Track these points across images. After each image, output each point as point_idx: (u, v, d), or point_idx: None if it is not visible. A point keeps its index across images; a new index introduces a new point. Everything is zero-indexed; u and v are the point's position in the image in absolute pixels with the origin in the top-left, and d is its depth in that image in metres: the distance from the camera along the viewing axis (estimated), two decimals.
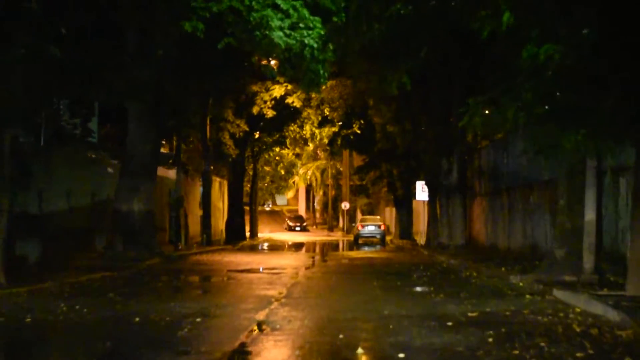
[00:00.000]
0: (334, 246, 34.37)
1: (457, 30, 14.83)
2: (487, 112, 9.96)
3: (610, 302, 8.73)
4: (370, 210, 51.92)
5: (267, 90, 30.77)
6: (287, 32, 12.75)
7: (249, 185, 43.85)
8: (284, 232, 58.24)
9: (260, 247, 32.34)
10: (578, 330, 7.46)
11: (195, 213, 31.63)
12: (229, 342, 6.90)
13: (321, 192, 69.29)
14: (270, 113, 31.80)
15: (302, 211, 74.20)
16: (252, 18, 12.64)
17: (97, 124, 21.54)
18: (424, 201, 30.53)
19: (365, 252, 26.90)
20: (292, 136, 38.61)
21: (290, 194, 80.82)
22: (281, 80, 29.05)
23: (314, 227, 68.12)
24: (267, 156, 45.33)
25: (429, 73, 21.41)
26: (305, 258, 23.34)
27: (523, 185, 18.68)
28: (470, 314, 8.64)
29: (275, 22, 12.56)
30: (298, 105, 31.90)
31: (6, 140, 11.73)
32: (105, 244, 19.29)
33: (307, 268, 17.47)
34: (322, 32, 13.14)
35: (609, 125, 8.83)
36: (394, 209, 41.83)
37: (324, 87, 24.06)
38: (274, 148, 41.68)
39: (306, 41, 12.94)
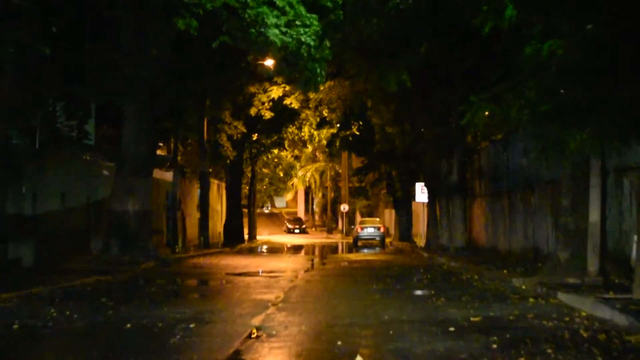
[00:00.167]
0: (333, 248, 34.13)
1: (458, 27, 14.58)
2: (487, 113, 9.74)
3: (618, 305, 8.49)
4: (370, 212, 51.64)
5: (265, 91, 30.54)
6: (283, 29, 12.50)
7: (247, 188, 43.66)
8: (283, 234, 58.13)
9: (258, 250, 32.11)
10: (585, 335, 7.21)
11: (193, 215, 31.44)
12: (222, 350, 6.66)
13: (320, 194, 69.18)
14: (268, 114, 31.59)
15: (301, 213, 74.10)
16: (247, 15, 12.40)
17: (94, 126, 21.36)
18: (423, 203, 30.32)
19: (365, 255, 26.64)
20: (290, 138, 38.48)
21: (289, 196, 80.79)
22: (279, 81, 28.89)
23: (313, 229, 67.99)
24: (265, 158, 45.16)
25: (429, 72, 21.19)
26: (304, 261, 23.11)
27: (524, 186, 18.44)
28: (472, 319, 8.37)
29: (271, 20, 12.30)
30: (296, 107, 31.67)
31: None
32: (101, 246, 19.07)
33: (305, 271, 17.24)
34: (319, 30, 12.87)
35: (615, 124, 8.59)
36: (393, 211, 41.60)
37: (322, 88, 23.87)
38: (272, 150, 41.52)
39: (303, 39, 12.69)
